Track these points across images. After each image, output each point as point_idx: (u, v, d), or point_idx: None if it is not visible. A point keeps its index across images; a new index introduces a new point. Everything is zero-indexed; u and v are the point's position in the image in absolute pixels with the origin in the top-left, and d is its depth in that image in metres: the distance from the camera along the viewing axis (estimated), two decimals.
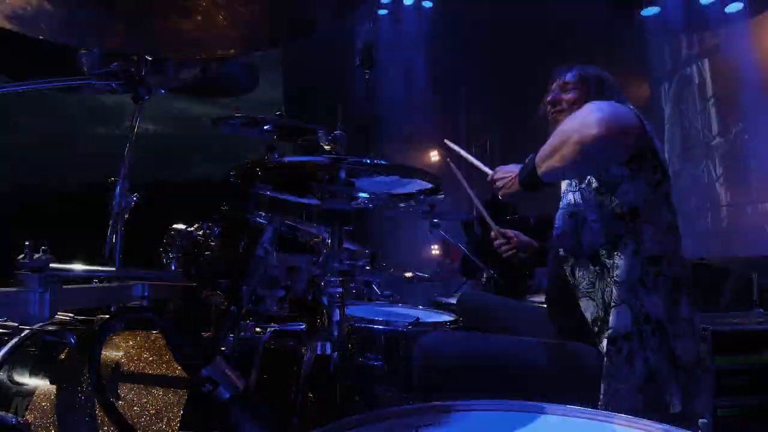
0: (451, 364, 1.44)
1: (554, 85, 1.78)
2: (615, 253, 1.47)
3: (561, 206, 1.69)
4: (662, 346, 1.40)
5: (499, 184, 1.68)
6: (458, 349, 1.50)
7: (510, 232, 2.12)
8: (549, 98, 1.77)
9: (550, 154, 1.44)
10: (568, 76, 1.75)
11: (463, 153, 2.01)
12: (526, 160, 1.57)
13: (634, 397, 1.38)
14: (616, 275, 1.44)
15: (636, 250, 1.45)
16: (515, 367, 1.47)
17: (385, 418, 0.83)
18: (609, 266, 1.47)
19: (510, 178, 1.64)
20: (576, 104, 1.69)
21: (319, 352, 1.11)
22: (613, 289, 1.44)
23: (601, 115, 1.35)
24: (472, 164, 1.97)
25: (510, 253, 2.10)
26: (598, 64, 1.79)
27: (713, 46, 6.00)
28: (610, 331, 1.42)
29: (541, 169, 1.48)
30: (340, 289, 1.14)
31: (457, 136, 7.59)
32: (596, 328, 1.47)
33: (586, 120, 1.36)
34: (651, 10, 6.02)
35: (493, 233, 2.16)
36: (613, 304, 1.43)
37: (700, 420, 0.79)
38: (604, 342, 1.42)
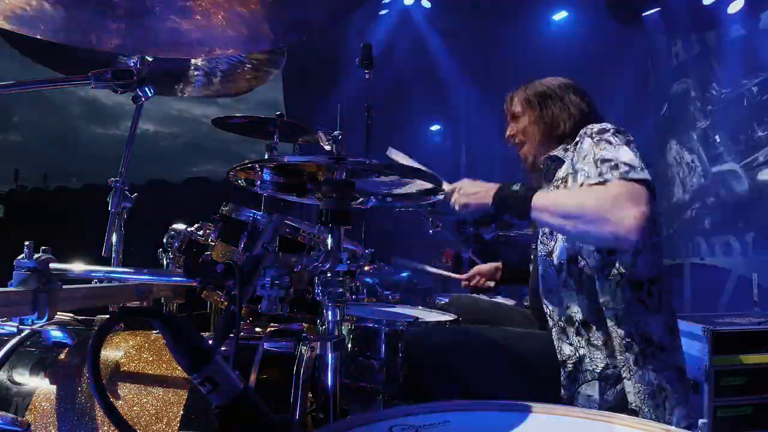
0: (434, 354, 1.49)
1: (507, 117, 1.79)
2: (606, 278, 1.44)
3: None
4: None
5: (467, 190, 1.57)
6: (440, 340, 1.53)
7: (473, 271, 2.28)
8: (506, 134, 1.79)
9: (562, 211, 1.35)
10: (515, 106, 1.76)
11: (408, 161, 1.84)
12: (517, 186, 1.48)
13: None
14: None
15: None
16: (497, 355, 1.48)
17: (385, 418, 0.83)
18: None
19: (482, 191, 1.54)
20: (529, 129, 1.70)
21: (319, 352, 1.11)
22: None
23: (640, 210, 1.24)
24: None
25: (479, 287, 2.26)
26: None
27: None
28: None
29: (539, 213, 1.39)
30: (340, 289, 1.14)
31: (457, 137, 7.58)
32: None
33: (621, 211, 1.24)
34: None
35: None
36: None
37: (699, 420, 0.79)
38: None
